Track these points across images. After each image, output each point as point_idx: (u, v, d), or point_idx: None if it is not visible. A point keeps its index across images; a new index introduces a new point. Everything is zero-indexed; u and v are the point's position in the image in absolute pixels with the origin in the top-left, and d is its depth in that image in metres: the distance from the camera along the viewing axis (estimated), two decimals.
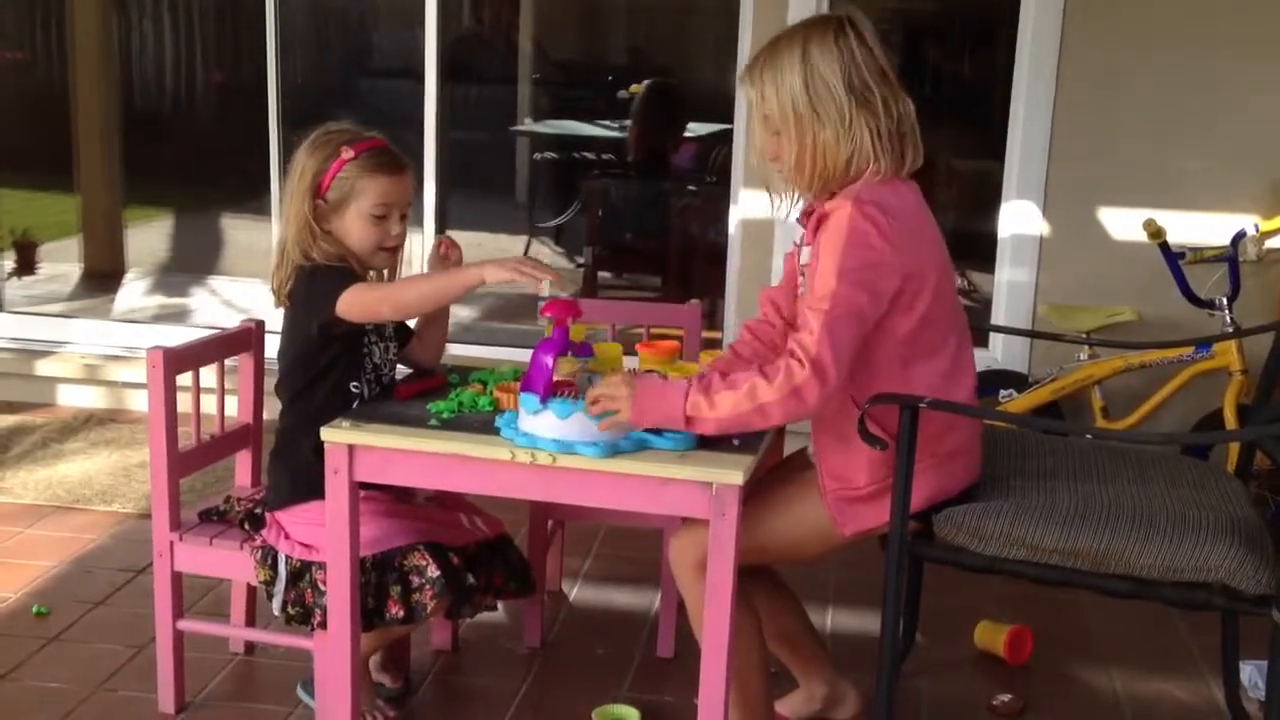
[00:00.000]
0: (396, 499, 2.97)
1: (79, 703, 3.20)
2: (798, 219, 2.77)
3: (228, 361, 3.30)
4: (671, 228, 7.29)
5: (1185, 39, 4.67)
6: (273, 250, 3.02)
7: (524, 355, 2.87)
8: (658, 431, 2.56)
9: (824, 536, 2.71)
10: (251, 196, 5.46)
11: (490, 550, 3.09)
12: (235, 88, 7.32)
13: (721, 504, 2.50)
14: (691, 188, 7.24)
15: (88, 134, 6.85)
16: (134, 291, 6.83)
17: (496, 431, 2.62)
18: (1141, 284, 4.69)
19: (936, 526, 2.69)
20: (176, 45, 7.48)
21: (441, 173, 5.49)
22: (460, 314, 6.53)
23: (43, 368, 5.52)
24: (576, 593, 3.92)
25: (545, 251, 7.79)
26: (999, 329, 4.67)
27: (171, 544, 3.08)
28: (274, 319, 3.08)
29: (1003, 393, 4.68)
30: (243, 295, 6.40)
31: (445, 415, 2.73)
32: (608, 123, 7.73)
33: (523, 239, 7.84)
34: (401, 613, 2.85)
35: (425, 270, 3.12)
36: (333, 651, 2.81)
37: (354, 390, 2.93)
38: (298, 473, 2.93)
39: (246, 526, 3.10)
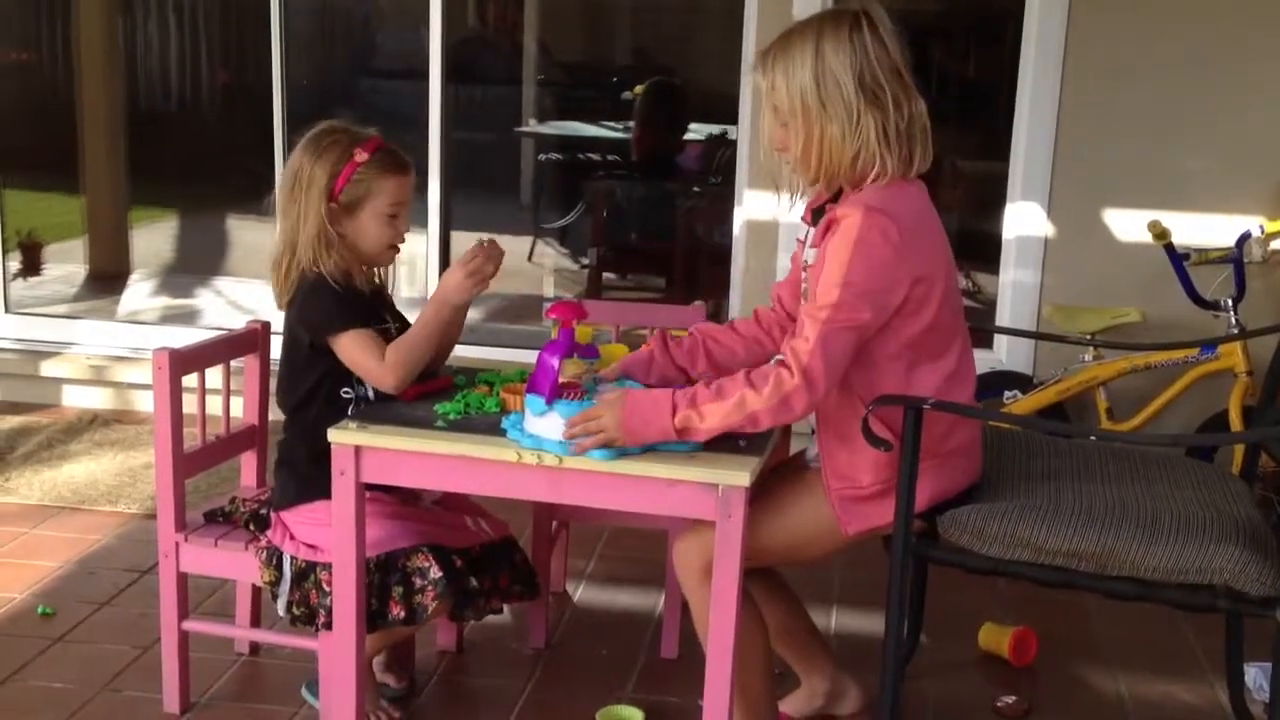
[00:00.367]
0: (402, 501, 2.98)
1: (84, 703, 3.20)
2: (802, 216, 2.77)
3: (233, 363, 3.30)
4: (676, 229, 7.28)
5: (1190, 40, 4.67)
6: (272, 255, 3.00)
7: (529, 357, 2.88)
8: None
9: (828, 536, 2.71)
10: (257, 197, 5.45)
11: (495, 552, 3.09)
12: (240, 88, 7.32)
13: (727, 505, 2.50)
14: (696, 189, 7.24)
15: (93, 135, 6.85)
16: (139, 292, 6.83)
17: (503, 433, 2.62)
18: (1146, 285, 4.69)
19: (941, 528, 2.69)
20: (181, 46, 7.49)
21: (446, 174, 5.49)
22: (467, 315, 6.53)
23: (48, 368, 5.53)
24: (581, 594, 3.92)
25: (550, 253, 7.79)
26: (1004, 330, 4.67)
27: (177, 545, 3.09)
28: (279, 320, 3.08)
29: (1007, 394, 4.68)
30: (248, 296, 6.40)
31: (452, 416, 2.73)
32: (612, 124, 7.72)
33: (527, 240, 7.84)
34: (403, 614, 2.86)
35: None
36: (337, 652, 2.81)
37: (345, 396, 2.94)
38: (302, 474, 2.94)
39: (251, 527, 3.10)
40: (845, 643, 3.60)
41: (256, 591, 3.34)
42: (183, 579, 3.13)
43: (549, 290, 7.50)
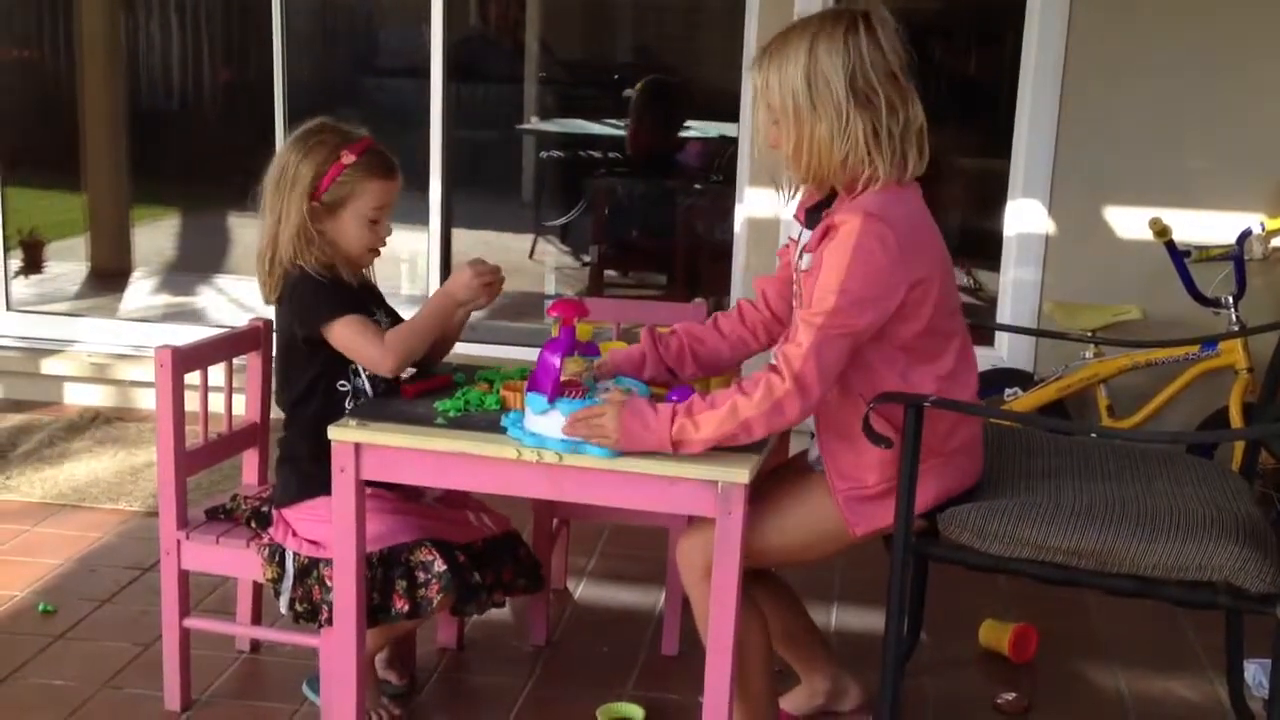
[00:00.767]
0: (403, 497, 2.98)
1: (85, 700, 3.21)
2: (795, 215, 2.77)
3: (235, 360, 3.30)
4: (677, 226, 7.28)
5: (1191, 38, 4.67)
6: (257, 249, 3.00)
7: (530, 354, 2.88)
8: None
9: (834, 537, 2.71)
10: (258, 195, 5.47)
11: (498, 547, 3.10)
12: (242, 86, 7.32)
13: (727, 502, 2.51)
14: (697, 186, 7.24)
15: (95, 133, 6.85)
16: (141, 290, 6.84)
17: (503, 431, 2.63)
18: (1147, 282, 4.69)
19: (941, 525, 2.69)
20: (183, 44, 7.48)
21: (447, 171, 5.49)
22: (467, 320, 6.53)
23: (50, 366, 5.54)
24: (581, 591, 3.92)
25: (551, 250, 7.79)
26: (1004, 327, 4.67)
27: (178, 542, 3.09)
28: None
29: (1008, 391, 4.68)
30: (250, 294, 6.38)
31: (451, 414, 2.74)
32: (614, 121, 7.72)
33: (528, 237, 7.84)
34: (407, 608, 2.86)
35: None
36: (338, 649, 2.82)
37: (341, 389, 2.94)
38: (303, 471, 2.95)
39: (253, 524, 3.11)
40: (845, 640, 3.60)
41: (257, 589, 3.34)
42: (184, 576, 3.13)
43: (550, 288, 7.50)
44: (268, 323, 3.36)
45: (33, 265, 6.41)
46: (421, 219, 5.41)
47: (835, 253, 2.49)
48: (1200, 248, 4.48)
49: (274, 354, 3.05)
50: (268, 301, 3.02)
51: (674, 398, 2.63)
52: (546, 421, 2.55)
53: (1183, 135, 4.73)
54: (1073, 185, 4.83)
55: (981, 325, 4.94)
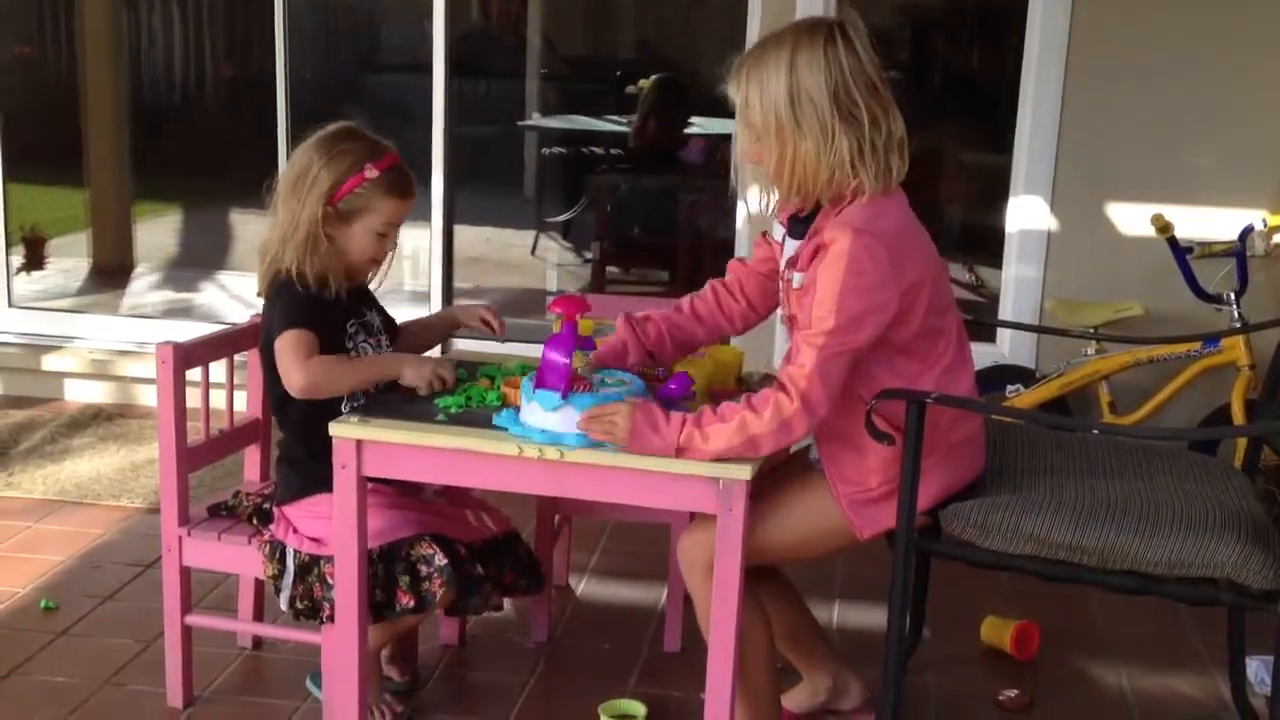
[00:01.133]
0: (402, 493, 2.98)
1: (87, 697, 3.21)
2: (778, 218, 2.76)
3: (237, 356, 3.30)
4: (679, 223, 7.29)
5: (1194, 33, 4.66)
6: (262, 240, 3.00)
7: (533, 351, 2.88)
8: None
9: (836, 534, 2.71)
10: (260, 191, 5.48)
11: (498, 547, 3.10)
12: (244, 82, 7.32)
13: (729, 498, 2.51)
14: (699, 183, 7.24)
15: (97, 129, 6.85)
16: (143, 286, 6.84)
17: (503, 430, 2.62)
18: (1149, 279, 4.69)
19: (944, 522, 2.69)
20: (185, 40, 7.48)
21: (449, 167, 5.49)
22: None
23: (51, 363, 5.54)
24: (583, 588, 3.92)
25: (553, 247, 7.79)
26: (1006, 324, 4.66)
27: (180, 539, 3.09)
28: None
29: (1010, 388, 4.68)
30: (251, 290, 6.37)
31: (453, 410, 2.74)
32: (616, 118, 7.72)
33: (530, 234, 7.84)
34: (412, 602, 2.86)
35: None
36: (340, 645, 2.82)
37: None
38: (303, 469, 2.95)
39: (255, 521, 3.11)
40: (847, 637, 3.60)
41: (259, 585, 3.34)
42: (186, 573, 3.13)
43: (552, 285, 7.50)
44: None
45: (34, 261, 6.40)
46: (424, 215, 5.41)
47: (828, 272, 2.49)
48: (1202, 244, 4.47)
49: (259, 350, 3.05)
50: (259, 295, 3.02)
51: (672, 386, 2.63)
52: (559, 418, 2.55)
53: (1185, 131, 4.72)
54: (1075, 182, 4.82)
55: (983, 322, 4.94)
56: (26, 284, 6.16)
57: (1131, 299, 4.68)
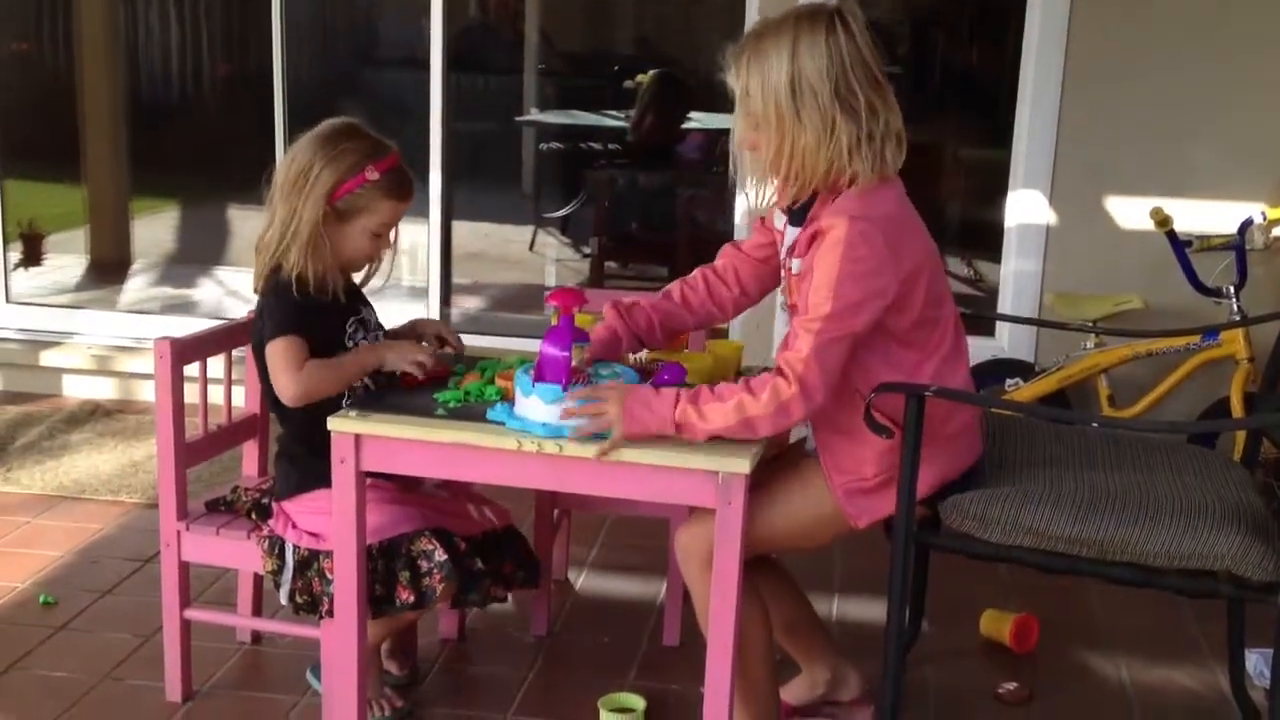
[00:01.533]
0: (402, 487, 2.98)
1: (86, 692, 3.21)
2: (777, 204, 2.75)
3: (234, 352, 3.30)
4: (678, 217, 7.28)
5: (1193, 27, 4.66)
6: (259, 237, 2.99)
7: (530, 345, 2.88)
8: None
9: (833, 521, 2.71)
10: (258, 187, 5.49)
11: (498, 541, 3.10)
12: (241, 78, 7.31)
13: (728, 492, 2.51)
14: (697, 177, 7.23)
15: (94, 125, 6.85)
16: (141, 282, 6.83)
17: (492, 422, 2.62)
18: (1148, 272, 4.69)
19: (943, 514, 2.69)
20: (183, 35, 7.47)
21: (447, 163, 5.48)
22: (467, 305, 6.54)
23: (49, 358, 5.53)
24: (582, 582, 3.92)
25: (551, 242, 7.79)
26: (1005, 318, 4.67)
27: (178, 534, 3.09)
28: None
29: (1009, 381, 4.68)
30: (249, 286, 6.39)
31: (452, 405, 2.73)
32: (614, 113, 7.72)
33: (528, 229, 7.83)
34: (412, 598, 2.86)
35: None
36: (339, 640, 2.82)
37: None
38: (302, 464, 2.95)
39: (253, 516, 3.10)
40: (847, 630, 3.60)
41: (258, 580, 3.34)
42: (184, 568, 3.13)
43: (550, 280, 7.50)
44: None
45: (32, 257, 6.40)
46: (422, 211, 5.40)
47: (825, 258, 2.48)
48: (1201, 237, 4.47)
49: (251, 346, 3.04)
50: (256, 291, 3.01)
51: (665, 377, 2.63)
52: (558, 411, 2.54)
53: (1184, 125, 4.72)
54: (1074, 175, 4.82)
55: (982, 315, 4.94)
56: (25, 280, 6.16)
57: (1130, 292, 4.68)
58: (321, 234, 2.89)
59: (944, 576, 3.56)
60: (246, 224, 7.04)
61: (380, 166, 2.92)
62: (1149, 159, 4.76)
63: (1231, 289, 4.35)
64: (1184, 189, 4.70)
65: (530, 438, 2.56)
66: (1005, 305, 4.96)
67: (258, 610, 3.40)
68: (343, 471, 2.68)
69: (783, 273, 2.72)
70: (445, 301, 5.70)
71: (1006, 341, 5.00)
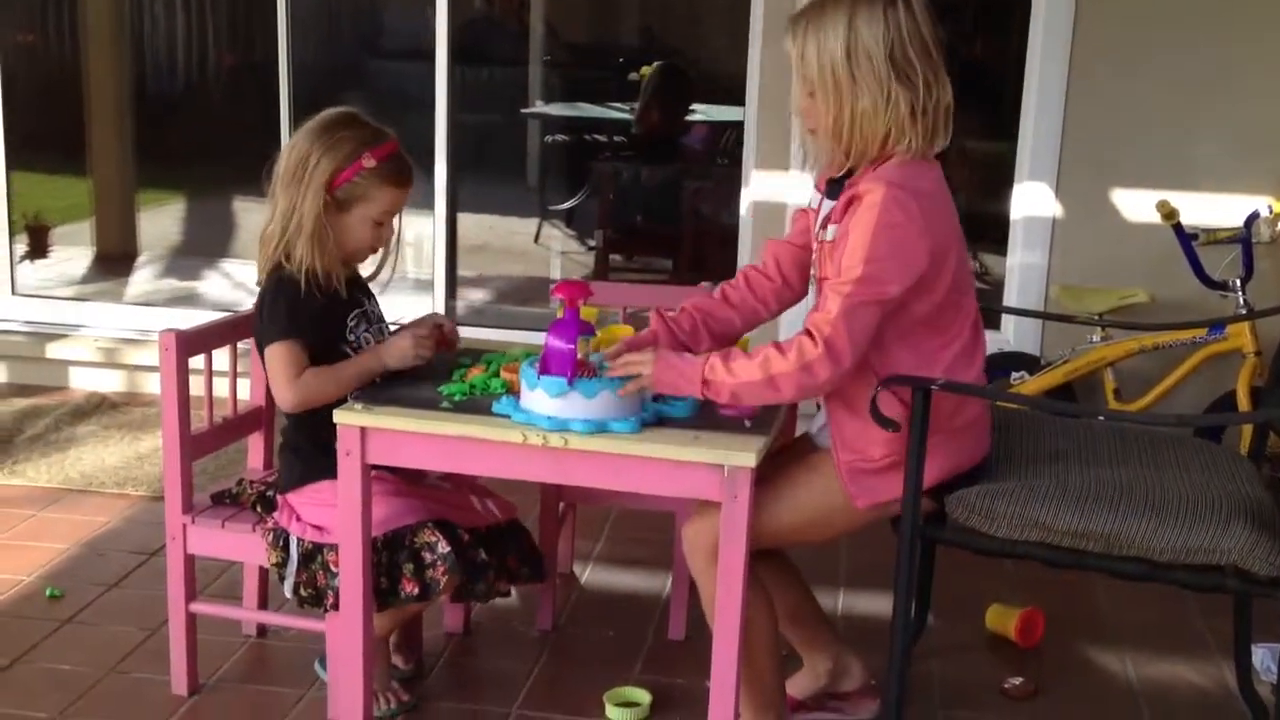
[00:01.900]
0: (406, 480, 2.98)
1: (92, 685, 3.21)
2: (816, 184, 2.76)
3: (240, 344, 3.30)
4: (683, 210, 7.28)
5: (1199, 19, 4.65)
6: (262, 229, 2.98)
7: (535, 338, 2.88)
8: (666, 401, 2.63)
9: (838, 515, 2.71)
10: (264, 179, 5.50)
11: (502, 534, 3.09)
12: (247, 70, 7.32)
13: (733, 486, 2.50)
14: (702, 169, 7.23)
15: (100, 117, 6.86)
16: (146, 274, 6.84)
17: (498, 415, 2.62)
18: (1154, 266, 4.68)
19: (949, 508, 2.69)
20: (188, 27, 7.49)
21: (452, 155, 5.48)
22: (472, 297, 6.54)
23: (55, 351, 5.54)
24: (588, 576, 3.92)
25: (557, 235, 7.79)
26: (1011, 310, 4.66)
27: (184, 527, 3.09)
28: None
29: (1015, 375, 4.67)
30: (255, 278, 6.40)
31: (457, 398, 2.73)
32: (619, 105, 7.72)
33: (533, 222, 7.83)
34: (416, 590, 2.86)
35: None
36: (345, 632, 2.82)
37: None
38: (306, 457, 2.95)
39: (258, 509, 3.10)
40: (852, 624, 3.60)
41: (264, 573, 3.34)
42: (190, 561, 3.13)
43: (555, 272, 7.50)
44: None
45: (38, 250, 6.41)
46: (427, 203, 5.40)
47: (861, 222, 2.49)
48: (1208, 230, 4.46)
49: (254, 338, 3.04)
50: (259, 285, 3.01)
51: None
52: (564, 403, 2.54)
53: (1190, 118, 4.71)
54: (1080, 168, 4.81)
55: (988, 308, 4.89)
56: (30, 272, 6.16)
57: (1136, 285, 4.67)
58: (325, 225, 2.88)
59: (950, 570, 3.55)
60: (252, 216, 7.05)
61: (377, 153, 2.91)
62: (1155, 152, 4.75)
63: (1238, 282, 4.35)
64: (1190, 182, 4.69)
65: (535, 430, 2.56)
66: (1011, 298, 4.95)
67: (264, 603, 3.40)
68: (348, 464, 2.68)
69: (815, 245, 2.71)
70: (450, 294, 5.69)
71: (1012, 335, 4.99)
